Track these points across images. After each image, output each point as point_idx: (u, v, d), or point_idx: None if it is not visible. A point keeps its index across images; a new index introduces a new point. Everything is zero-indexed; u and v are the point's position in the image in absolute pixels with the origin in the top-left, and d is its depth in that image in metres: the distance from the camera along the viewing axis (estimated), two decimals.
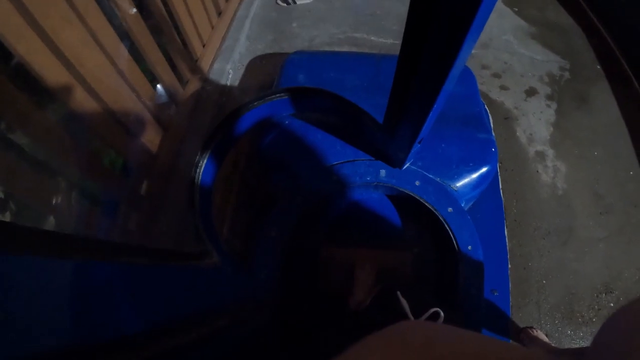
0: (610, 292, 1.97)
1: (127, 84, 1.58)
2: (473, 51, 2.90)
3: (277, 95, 1.37)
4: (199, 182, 1.23)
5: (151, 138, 1.76)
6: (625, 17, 3.04)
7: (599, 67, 3.00)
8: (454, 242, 1.33)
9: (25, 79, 1.25)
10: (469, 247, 1.31)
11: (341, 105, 1.37)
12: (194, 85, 2.22)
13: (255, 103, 1.35)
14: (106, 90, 1.43)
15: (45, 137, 1.18)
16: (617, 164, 2.40)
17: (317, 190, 1.39)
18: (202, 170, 1.24)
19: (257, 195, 1.90)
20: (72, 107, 1.29)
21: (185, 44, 2.21)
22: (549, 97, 2.70)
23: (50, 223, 1.67)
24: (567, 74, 2.88)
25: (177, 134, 1.97)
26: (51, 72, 1.20)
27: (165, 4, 1.96)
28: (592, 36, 3.20)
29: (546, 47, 3.06)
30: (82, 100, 1.33)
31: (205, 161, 1.26)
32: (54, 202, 1.20)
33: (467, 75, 1.80)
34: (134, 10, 1.67)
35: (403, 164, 1.36)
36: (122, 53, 1.56)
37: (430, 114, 0.93)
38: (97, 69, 1.39)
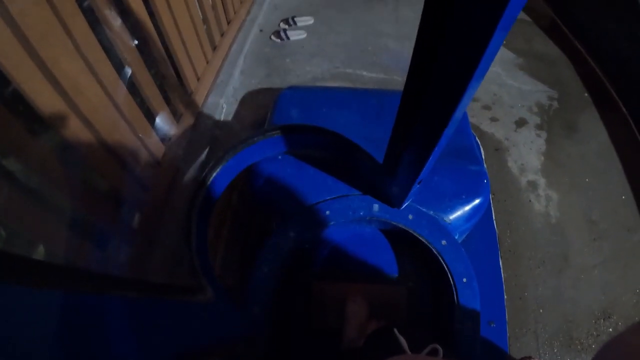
0: (609, 317, 1.96)
1: (122, 116, 1.60)
2: None
3: (276, 131, 1.38)
4: (195, 216, 1.23)
5: (145, 171, 1.76)
6: (612, 45, 3.11)
7: (586, 94, 3.06)
8: (449, 274, 1.32)
9: (21, 105, 1.25)
10: (464, 280, 1.31)
11: (338, 143, 1.38)
12: (188, 119, 2.24)
13: (255, 139, 1.36)
14: (102, 122, 1.44)
15: (38, 165, 1.18)
16: (609, 189, 2.43)
17: (310, 225, 1.39)
18: (198, 205, 1.24)
19: (250, 230, 1.90)
20: (67, 137, 1.30)
21: (180, 77, 2.24)
22: (539, 127, 2.74)
23: (40, 252, 1.65)
24: (555, 103, 2.94)
25: (170, 168, 1.97)
26: (47, 100, 1.21)
27: (162, 38, 2.00)
28: (579, 65, 3.28)
29: (534, 77, 3.12)
30: (77, 130, 1.33)
31: (201, 195, 1.26)
32: (44, 231, 1.18)
33: None
34: (135, 42, 1.70)
35: (401, 204, 1.37)
36: (118, 85, 1.58)
37: (432, 156, 0.94)
38: (93, 99, 1.40)
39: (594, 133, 2.77)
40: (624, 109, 2.88)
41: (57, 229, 1.21)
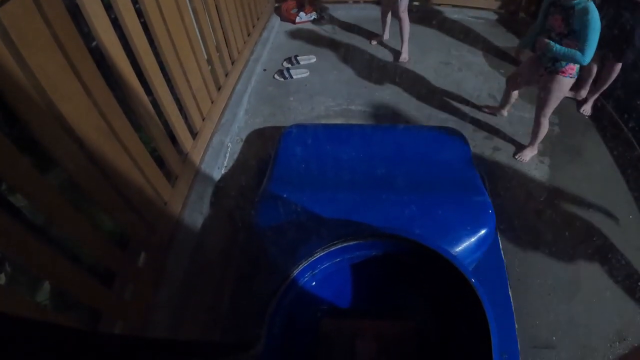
0: (624, 339, 1.90)
1: (130, 157, 1.64)
2: (466, 114, 3.02)
3: (375, 237, 1.33)
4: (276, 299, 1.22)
5: (150, 209, 1.80)
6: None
7: (587, 117, 3.10)
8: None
9: (28, 143, 1.28)
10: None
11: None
12: (193, 158, 2.28)
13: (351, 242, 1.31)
14: (107, 160, 1.48)
15: (44, 202, 1.20)
16: (616, 210, 2.42)
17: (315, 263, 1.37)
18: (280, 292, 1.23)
19: (258, 267, 1.90)
20: (74, 175, 1.33)
21: (185, 117, 2.29)
22: (542, 154, 2.77)
23: (45, 289, 1.66)
24: (557, 129, 2.98)
25: (175, 206, 2.01)
26: (53, 138, 1.25)
27: (167, 78, 2.07)
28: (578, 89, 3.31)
29: (533, 104, 3.14)
30: (84, 170, 1.37)
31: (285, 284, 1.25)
32: (50, 268, 1.18)
33: (461, 140, 1.84)
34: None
35: None
36: (123, 124, 1.63)
37: None
38: (98, 137, 1.45)
39: (597, 155, 2.79)
40: (625, 128, 2.91)
41: (63, 266, 1.22)
